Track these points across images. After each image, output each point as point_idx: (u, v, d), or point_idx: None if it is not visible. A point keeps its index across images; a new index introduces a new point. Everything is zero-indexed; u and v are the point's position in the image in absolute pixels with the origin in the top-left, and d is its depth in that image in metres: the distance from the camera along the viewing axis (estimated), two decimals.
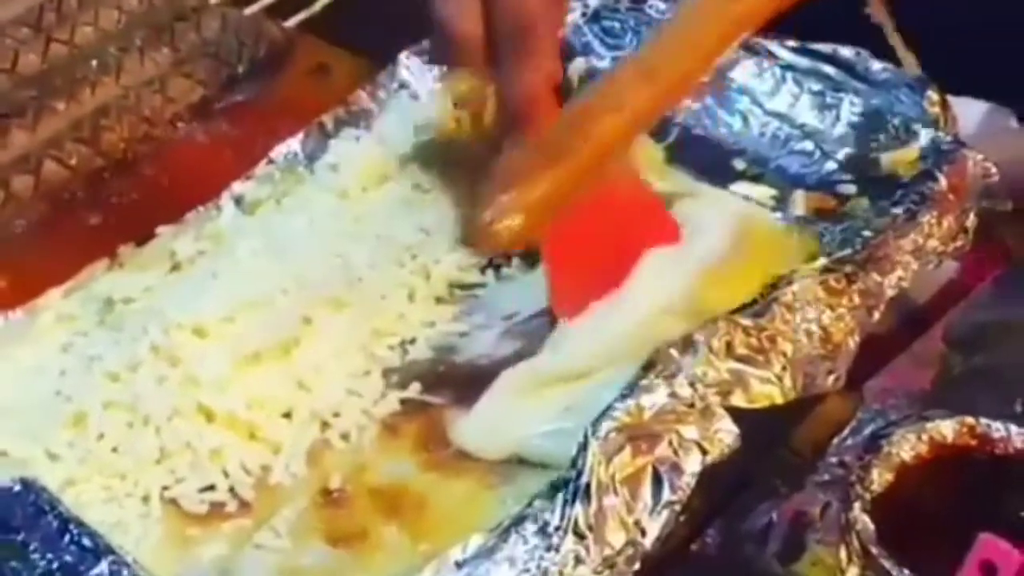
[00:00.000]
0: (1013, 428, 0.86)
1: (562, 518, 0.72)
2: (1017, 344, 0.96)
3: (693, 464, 0.76)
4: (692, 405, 0.77)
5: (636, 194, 0.94)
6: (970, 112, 1.14)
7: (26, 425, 0.86)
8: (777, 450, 0.90)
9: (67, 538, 0.74)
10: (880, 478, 0.85)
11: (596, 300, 0.89)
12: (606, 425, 0.74)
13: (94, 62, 1.13)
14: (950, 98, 1.07)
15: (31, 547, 0.74)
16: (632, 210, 0.93)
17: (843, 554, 0.83)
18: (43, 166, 1.04)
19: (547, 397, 0.84)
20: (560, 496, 0.73)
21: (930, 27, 1.13)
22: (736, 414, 0.80)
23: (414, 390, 0.89)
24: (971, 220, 0.96)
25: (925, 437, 0.86)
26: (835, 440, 0.90)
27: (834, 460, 0.89)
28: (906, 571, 0.79)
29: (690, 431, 0.76)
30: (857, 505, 0.83)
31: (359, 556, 0.79)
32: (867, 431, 0.90)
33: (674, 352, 0.78)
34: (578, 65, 1.10)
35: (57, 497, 0.78)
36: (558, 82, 0.86)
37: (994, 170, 0.96)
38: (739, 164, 1.02)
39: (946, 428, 0.87)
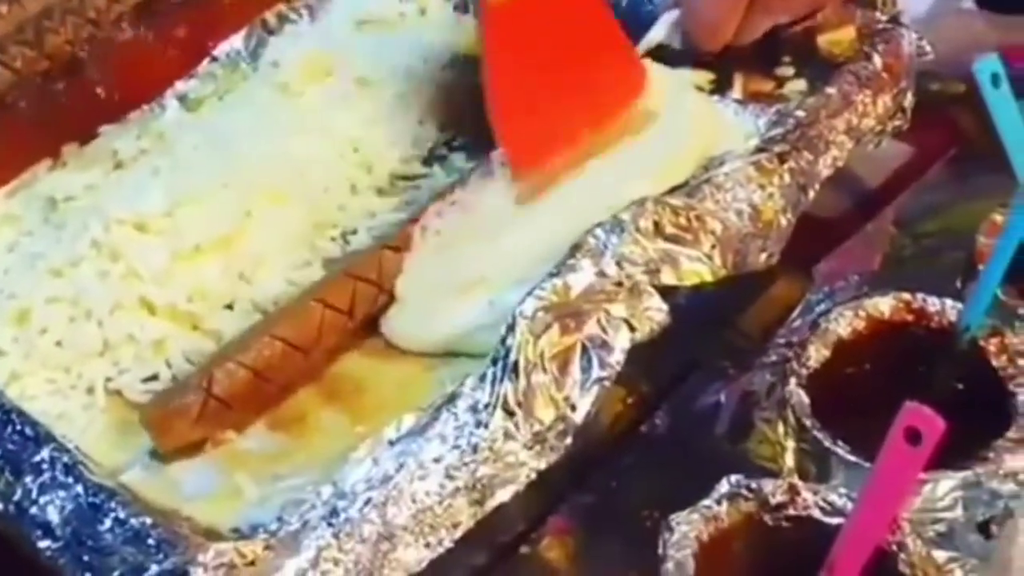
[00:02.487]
0: (948, 302, 0.87)
1: (491, 396, 0.74)
2: (963, 224, 0.98)
3: (622, 341, 0.77)
4: (620, 284, 0.78)
5: (599, 30, 0.91)
6: None
7: None
8: (724, 333, 0.92)
9: (9, 428, 0.76)
10: (817, 354, 0.86)
11: (556, 155, 0.87)
12: (533, 304, 0.75)
13: None
14: None
15: None
16: (594, 50, 0.89)
17: (781, 429, 0.84)
18: None
19: (466, 297, 0.85)
20: (489, 374, 0.74)
21: None
22: (677, 296, 0.81)
23: None
24: (908, 99, 0.96)
25: (862, 313, 0.88)
26: (785, 322, 0.92)
27: (782, 341, 0.91)
28: (839, 442, 0.81)
29: (618, 309, 0.77)
30: (792, 380, 0.85)
31: (298, 439, 0.82)
32: (815, 312, 0.91)
33: (600, 232, 0.79)
34: None
35: (0, 390, 0.79)
36: None
37: (929, 49, 0.97)
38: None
39: (883, 304, 0.88)
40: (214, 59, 1.05)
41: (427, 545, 0.72)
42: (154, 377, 0.85)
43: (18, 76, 1.05)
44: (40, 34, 1.07)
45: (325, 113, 0.98)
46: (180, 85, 1.03)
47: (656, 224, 0.80)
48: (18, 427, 0.75)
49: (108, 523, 0.71)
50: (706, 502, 0.77)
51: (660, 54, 0.98)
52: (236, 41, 1.06)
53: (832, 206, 0.99)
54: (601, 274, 0.78)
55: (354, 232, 0.93)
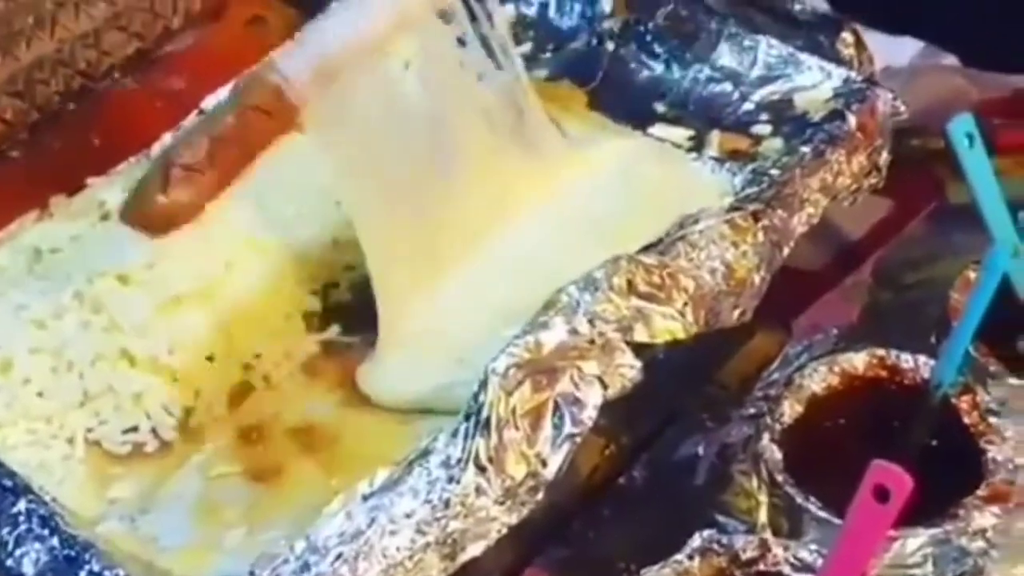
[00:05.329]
0: (921, 358, 0.88)
1: (463, 451, 0.75)
2: (942, 279, 0.98)
3: (595, 398, 0.78)
4: (592, 341, 0.79)
5: None
6: (904, 51, 1.16)
7: None
8: (704, 386, 0.93)
9: None
10: (791, 409, 0.87)
11: None
12: (505, 361, 0.76)
13: (30, 17, 1.13)
14: (884, 36, 1.09)
15: None
16: None
17: (754, 483, 0.85)
18: None
19: (435, 356, 0.86)
20: (462, 430, 0.75)
21: None
22: (655, 349, 0.82)
23: (333, 332, 0.91)
24: (883, 158, 0.97)
25: (836, 369, 0.88)
26: (763, 375, 0.93)
27: (759, 394, 0.91)
28: (811, 498, 0.81)
29: (591, 366, 0.78)
30: (766, 435, 0.85)
31: (275, 491, 0.83)
32: (793, 365, 0.92)
33: (573, 290, 0.80)
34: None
35: None
36: None
37: (903, 108, 0.98)
38: (659, 107, 1.03)
39: (857, 360, 0.89)
40: (201, 112, 1.05)
41: None
42: (134, 428, 0.86)
43: (8, 127, 1.07)
44: (30, 85, 1.09)
45: (310, 165, 0.99)
46: (168, 137, 1.03)
47: (629, 282, 0.81)
48: None
49: None
50: (678, 556, 0.77)
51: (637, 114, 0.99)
52: (223, 94, 1.06)
53: (812, 259, 1.00)
54: (574, 332, 0.78)
55: (335, 285, 0.94)
